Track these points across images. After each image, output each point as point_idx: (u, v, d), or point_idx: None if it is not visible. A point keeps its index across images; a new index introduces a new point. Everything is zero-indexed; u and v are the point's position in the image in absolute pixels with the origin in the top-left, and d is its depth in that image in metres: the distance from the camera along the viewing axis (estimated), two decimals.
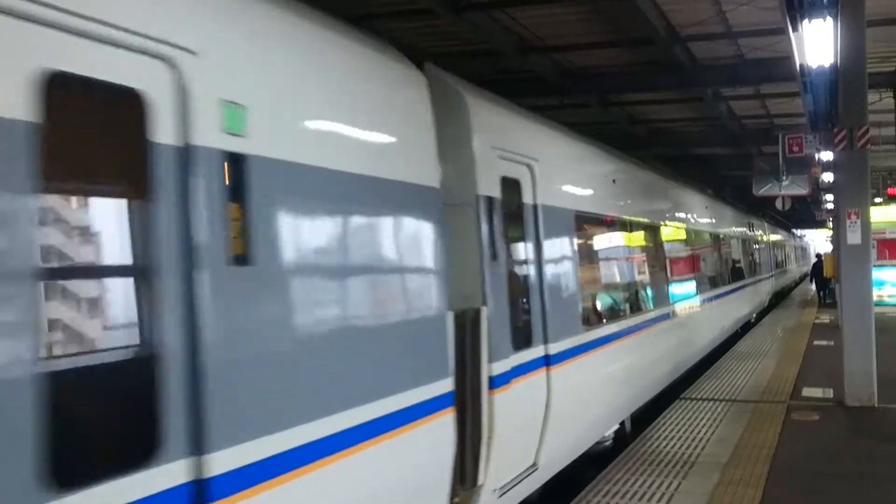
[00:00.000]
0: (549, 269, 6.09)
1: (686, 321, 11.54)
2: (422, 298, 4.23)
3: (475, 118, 5.15)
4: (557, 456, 6.14)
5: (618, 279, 8.87)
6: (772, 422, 8.39)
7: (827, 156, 11.33)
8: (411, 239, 4.19)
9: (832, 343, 14.74)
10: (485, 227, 5.08)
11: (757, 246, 23.72)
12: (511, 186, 5.68)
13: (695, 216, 13.82)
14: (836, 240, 9.80)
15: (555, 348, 5.98)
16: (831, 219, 31.50)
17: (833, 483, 6.34)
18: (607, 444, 8.09)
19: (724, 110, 19.29)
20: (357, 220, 3.73)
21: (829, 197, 22.14)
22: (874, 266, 9.72)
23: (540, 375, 5.75)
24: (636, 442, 7.65)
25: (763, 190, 15.88)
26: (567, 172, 7.10)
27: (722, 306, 15.04)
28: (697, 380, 11.23)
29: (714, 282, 14.69)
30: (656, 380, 9.52)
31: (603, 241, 8.42)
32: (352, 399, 3.50)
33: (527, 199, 5.96)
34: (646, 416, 9.06)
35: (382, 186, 3.91)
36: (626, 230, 9.08)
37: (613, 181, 8.62)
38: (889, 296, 21.70)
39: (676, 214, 12.33)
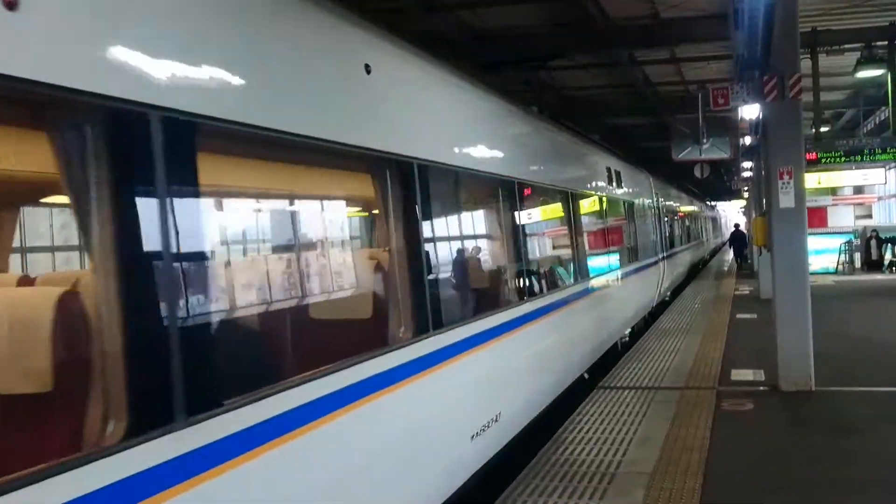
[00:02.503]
0: None
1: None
2: None
3: None
4: None
5: None
6: (701, 413, 7.30)
7: (751, 113, 10.35)
8: None
9: (755, 316, 14.04)
10: None
11: (629, 212, 13.77)
12: None
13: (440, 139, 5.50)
14: (767, 203, 8.80)
15: None
16: (746, 188, 31.49)
17: (779, 494, 5.24)
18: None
19: (639, 76, 18.43)
20: None
21: (748, 164, 21.55)
22: None
23: None
24: (546, 448, 6.41)
25: (682, 154, 14.91)
26: None
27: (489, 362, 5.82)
28: (617, 364, 10.14)
29: (488, 299, 6.46)
30: None
31: None
32: None
33: None
34: (562, 410, 7.90)
35: None
36: None
37: None
38: None
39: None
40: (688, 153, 15.03)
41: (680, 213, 23.75)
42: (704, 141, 14.40)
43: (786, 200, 7.86)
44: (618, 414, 7.45)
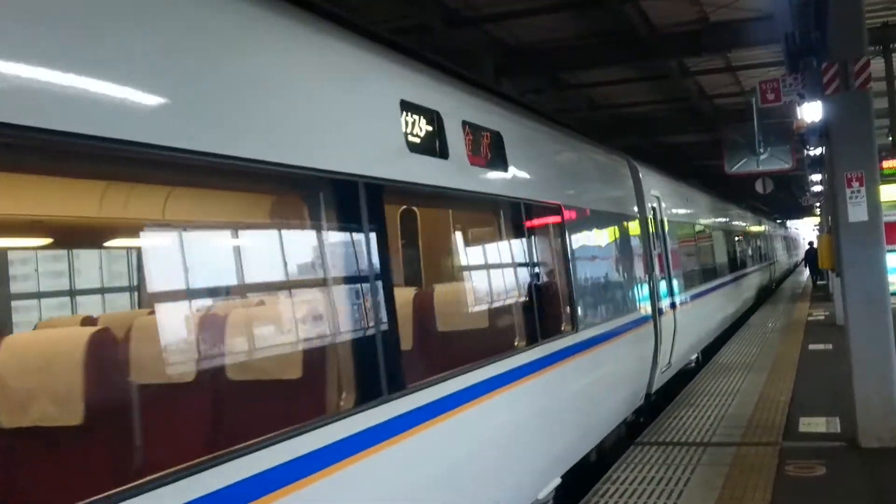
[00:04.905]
0: None
1: None
2: None
3: None
4: None
5: None
6: (758, 481, 5.87)
7: (811, 113, 8.85)
8: None
9: (830, 347, 12.38)
10: None
11: (560, 231, 6.39)
12: None
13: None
14: (833, 218, 7.37)
15: None
16: (818, 204, 29.43)
17: None
18: None
19: (692, 88, 17.06)
20: None
21: (816, 178, 19.73)
22: None
23: None
24: None
25: (737, 167, 13.35)
26: None
27: None
28: (664, 410, 8.73)
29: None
30: None
31: None
32: None
33: None
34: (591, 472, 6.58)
35: None
36: None
37: None
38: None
39: None
40: (743, 165, 13.46)
41: (725, 232, 16.99)
42: (761, 151, 12.83)
43: (856, 213, 6.43)
44: (654, 481, 6.08)
